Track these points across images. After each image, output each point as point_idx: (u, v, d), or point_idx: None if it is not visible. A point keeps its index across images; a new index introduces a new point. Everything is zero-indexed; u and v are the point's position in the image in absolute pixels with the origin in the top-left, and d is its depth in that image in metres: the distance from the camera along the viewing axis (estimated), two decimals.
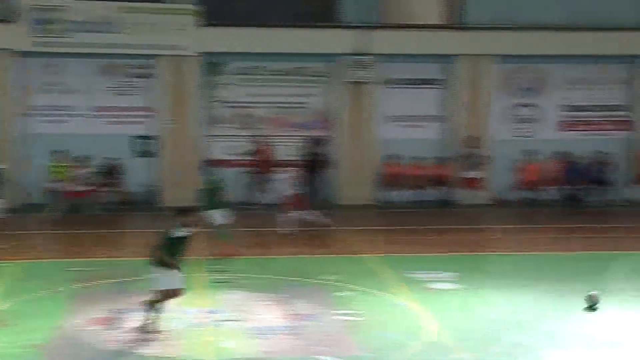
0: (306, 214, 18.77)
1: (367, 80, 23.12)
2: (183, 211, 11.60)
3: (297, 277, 14.86)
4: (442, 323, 12.13)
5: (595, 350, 11.06)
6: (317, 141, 23.62)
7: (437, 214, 22.73)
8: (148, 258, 11.59)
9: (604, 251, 17.49)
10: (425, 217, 22.25)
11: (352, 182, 23.35)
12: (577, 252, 17.38)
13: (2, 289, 13.92)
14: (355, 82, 23.11)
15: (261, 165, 23.09)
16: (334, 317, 12.50)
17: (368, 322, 12.24)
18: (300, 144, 23.59)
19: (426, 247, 18.12)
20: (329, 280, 14.59)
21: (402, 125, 24.08)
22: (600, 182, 23.71)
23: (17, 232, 19.20)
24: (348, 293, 13.76)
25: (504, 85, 24.26)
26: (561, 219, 22.01)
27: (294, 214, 18.79)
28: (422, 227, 20.50)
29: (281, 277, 14.85)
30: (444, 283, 14.50)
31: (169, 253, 11.38)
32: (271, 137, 23.62)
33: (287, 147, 23.72)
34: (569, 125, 24.50)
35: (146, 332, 11.49)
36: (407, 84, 24.04)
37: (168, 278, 11.45)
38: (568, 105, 24.42)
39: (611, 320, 12.46)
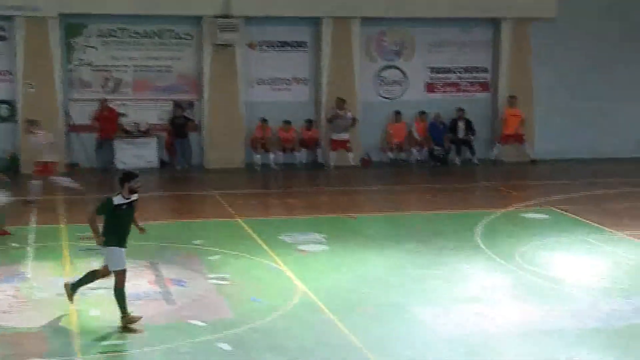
0: (57, 180, 18.11)
1: (233, 43, 23.01)
2: (128, 176, 10.67)
3: (166, 242, 14.78)
4: (312, 284, 12.33)
5: (458, 305, 11.50)
6: (182, 105, 23.45)
7: (307, 176, 22.96)
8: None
9: (468, 210, 18.10)
10: (295, 179, 22.43)
11: (221, 146, 23.31)
12: (443, 211, 17.92)
13: None
14: (222, 44, 22.96)
15: (104, 129, 22.74)
16: (206, 282, 12.55)
17: (239, 285, 12.34)
18: (166, 108, 23.36)
19: (296, 210, 18.32)
20: (199, 245, 14.59)
21: (271, 88, 24.14)
22: (465, 142, 24.48)
23: None
24: (219, 257, 13.80)
25: (371, 48, 24.62)
26: (427, 179, 22.62)
27: (38, 183, 17.90)
28: (291, 190, 20.69)
29: (150, 243, 14.73)
30: (314, 245, 14.71)
31: (113, 226, 10.52)
32: (136, 101, 23.29)
33: (153, 111, 23.45)
34: (435, 87, 25.13)
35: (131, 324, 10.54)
36: (275, 47, 24.08)
37: (117, 256, 10.60)
38: (433, 68, 25.01)
39: (472, 276, 12.96)
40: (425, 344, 10.16)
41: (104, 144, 22.92)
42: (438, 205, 18.55)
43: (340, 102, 23.49)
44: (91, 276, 11.03)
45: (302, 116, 23.88)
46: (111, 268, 10.63)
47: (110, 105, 22.95)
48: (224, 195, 19.33)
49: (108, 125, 22.83)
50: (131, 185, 10.58)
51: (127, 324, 10.52)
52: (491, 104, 25.20)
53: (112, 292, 10.62)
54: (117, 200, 10.55)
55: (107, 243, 10.55)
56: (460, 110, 24.41)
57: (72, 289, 11.10)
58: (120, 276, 10.55)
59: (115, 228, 10.56)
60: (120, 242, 10.60)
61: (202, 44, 23.25)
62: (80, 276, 11.24)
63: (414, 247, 14.51)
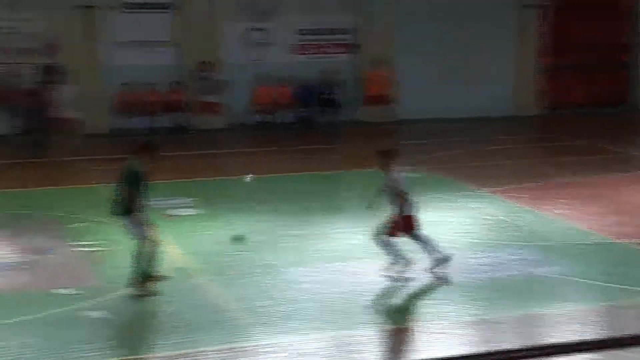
0: None
1: (97, 5, 22.36)
2: (149, 145, 10.83)
3: (26, 210, 14.36)
4: (182, 249, 12.28)
5: (325, 264, 11.65)
6: (44, 68, 22.66)
7: (173, 140, 22.68)
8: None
9: (333, 170, 18.31)
10: (161, 143, 22.09)
11: (85, 111, 22.67)
12: (308, 172, 18.08)
13: None
14: (86, 6, 22.27)
15: None
16: (70, 250, 12.29)
17: (105, 252, 12.12)
18: (25, 72, 22.55)
19: (162, 174, 18.02)
20: (60, 213, 14.23)
21: (136, 51, 23.61)
22: (331, 104, 24.67)
23: None
24: (82, 224, 13.51)
25: (237, 10, 24.39)
26: (294, 140, 22.74)
27: None
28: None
29: (8, 211, 14.29)
30: (182, 209, 14.59)
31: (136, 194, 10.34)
32: None
33: (11, 76, 22.59)
34: (300, 49, 25.16)
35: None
36: (139, 9, 23.53)
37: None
38: (299, 30, 25.02)
39: (338, 236, 13.13)
40: (293, 301, 10.26)
41: None
42: (304, 166, 18.68)
43: (208, 65, 23.24)
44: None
45: (167, 79, 23.48)
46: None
47: None
48: (85, 162, 18.85)
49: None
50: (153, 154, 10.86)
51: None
52: (353, 65, 25.37)
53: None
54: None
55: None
56: (325, 72, 24.52)
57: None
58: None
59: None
60: None
61: (64, 5, 22.44)
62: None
63: (280, 208, 14.59)
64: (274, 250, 12.33)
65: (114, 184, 10.56)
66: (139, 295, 10.31)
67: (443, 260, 11.28)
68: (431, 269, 11.25)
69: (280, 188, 16.46)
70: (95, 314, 9.85)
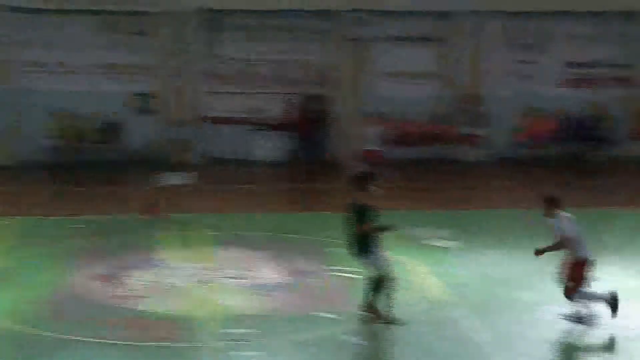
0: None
1: (365, 37, 23.10)
2: (366, 175, 10.60)
3: (287, 233, 15.04)
4: (438, 279, 12.32)
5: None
6: (314, 98, 23.70)
7: (436, 171, 22.83)
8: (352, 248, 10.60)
9: (602, 207, 17.69)
10: (423, 173, 22.39)
11: (355, 140, 23.40)
12: (573, 207, 17.56)
13: (3, 246, 14.15)
14: (354, 39, 23.09)
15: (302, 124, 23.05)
16: (330, 274, 12.65)
17: (359, 280, 12.40)
18: (296, 101, 23.65)
19: (420, 203, 18.24)
20: (320, 236, 14.68)
21: (400, 82, 24.02)
22: (600, 138, 23.83)
23: (14, 189, 19.49)
24: (341, 249, 13.89)
25: (505, 42, 24.23)
26: (559, 175, 22.18)
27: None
28: (420, 184, 20.65)
29: (273, 234, 15.01)
30: (438, 240, 14.64)
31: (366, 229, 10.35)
32: (270, 94, 23.69)
33: (284, 104, 23.80)
34: (570, 81, 24.54)
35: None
36: (405, 40, 24.00)
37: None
38: (569, 62, 24.42)
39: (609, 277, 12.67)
40: (549, 342, 10.06)
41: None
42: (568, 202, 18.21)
43: (472, 97, 23.26)
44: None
45: (431, 111, 23.72)
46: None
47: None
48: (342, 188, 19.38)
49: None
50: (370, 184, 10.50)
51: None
52: (625, 99, 24.35)
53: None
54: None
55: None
56: (594, 106, 23.72)
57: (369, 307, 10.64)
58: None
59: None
60: None
61: (334, 37, 23.38)
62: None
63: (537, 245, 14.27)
64: (529, 287, 12.12)
65: (344, 222, 10.44)
66: (388, 323, 10.45)
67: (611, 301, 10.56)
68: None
69: (540, 224, 16.09)
70: (353, 339, 10.15)
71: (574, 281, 10.66)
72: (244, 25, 23.53)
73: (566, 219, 10.84)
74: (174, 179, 16.20)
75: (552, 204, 10.97)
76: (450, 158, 23.51)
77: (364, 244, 10.36)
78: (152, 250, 13.90)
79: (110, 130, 22.77)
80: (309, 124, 23.39)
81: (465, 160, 23.20)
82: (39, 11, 22.49)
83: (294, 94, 23.71)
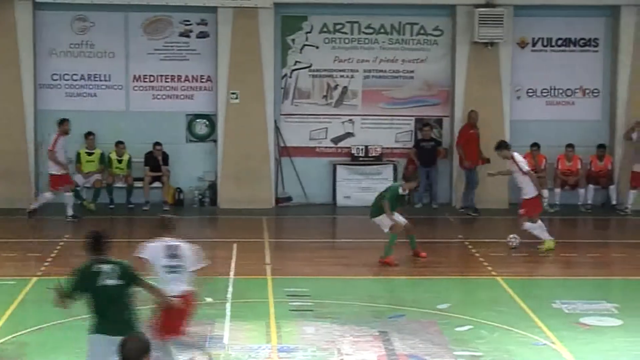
0: None
1: (498, 41, 23.01)
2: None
3: (401, 305, 14.95)
4: None
5: None
6: (430, 123, 23.63)
7: (594, 220, 22.53)
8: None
9: None
10: (576, 225, 22.09)
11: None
12: None
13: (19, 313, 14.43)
14: (483, 43, 23.01)
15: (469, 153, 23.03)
16: (451, 359, 12.55)
17: None
18: (405, 127, 23.65)
19: (578, 268, 17.99)
20: (443, 310, 14.64)
21: (546, 101, 23.90)
22: None
23: (36, 240, 19.95)
24: (468, 328, 13.75)
25: None
26: None
27: None
28: (570, 240, 20.35)
29: (380, 305, 14.96)
30: (600, 317, 14.40)
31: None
32: (365, 117, 23.76)
33: (388, 131, 23.80)
34: None
35: None
36: (553, 46, 23.85)
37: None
38: None
39: None
40: None
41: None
42: None
43: None
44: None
45: (589, 142, 23.47)
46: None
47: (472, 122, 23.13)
48: (477, 245, 19.26)
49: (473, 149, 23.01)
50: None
51: None
52: None
53: None
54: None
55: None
56: None
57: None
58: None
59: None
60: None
61: (455, 42, 23.41)
62: None
63: None
64: None
65: None
66: None
67: None
68: None
69: None
70: None
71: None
72: (332, 25, 23.70)
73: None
74: None
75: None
76: (610, 204, 23.10)
77: None
78: (207, 322, 13.90)
79: (157, 162, 22.93)
80: (423, 158, 23.26)
81: (635, 207, 22.72)
82: (62, 7, 23.02)
83: (400, 116, 23.71)
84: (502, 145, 19.04)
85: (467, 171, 22.72)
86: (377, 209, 17.82)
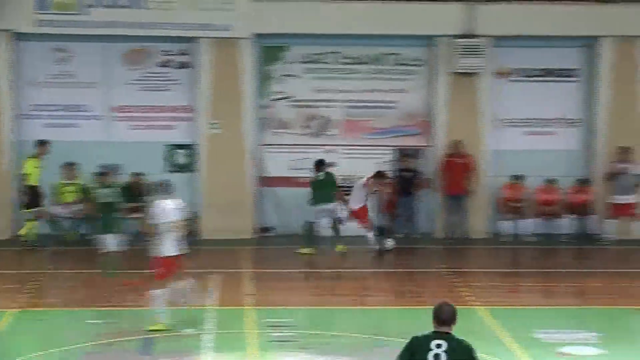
0: None
1: (478, 71, 23.17)
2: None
3: (381, 335, 14.99)
4: None
5: None
6: (409, 153, 23.73)
7: (574, 251, 22.63)
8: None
9: None
10: (557, 255, 22.19)
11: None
12: None
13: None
14: (463, 73, 23.16)
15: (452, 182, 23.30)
16: None
17: None
18: (385, 157, 23.75)
19: (558, 297, 18.07)
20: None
21: (526, 132, 24.05)
22: None
23: (17, 271, 19.93)
24: None
25: None
26: None
27: None
28: (553, 270, 20.46)
29: (360, 335, 14.99)
30: (581, 346, 14.47)
31: None
32: (346, 147, 23.85)
33: (369, 161, 23.87)
34: None
35: None
36: (532, 76, 24.02)
37: None
38: None
39: None
40: None
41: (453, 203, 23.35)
42: None
43: (624, 152, 23.04)
44: None
45: (568, 171, 23.62)
46: None
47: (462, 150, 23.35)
48: (459, 274, 19.34)
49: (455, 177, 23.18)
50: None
51: None
52: None
53: None
54: None
55: None
56: None
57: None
58: None
59: None
60: None
61: (435, 72, 23.57)
62: None
63: None
64: None
65: None
66: None
67: None
68: None
69: None
70: None
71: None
72: (311, 55, 23.79)
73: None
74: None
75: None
76: (594, 234, 23.24)
77: None
78: (186, 354, 13.92)
79: (136, 193, 22.92)
80: (402, 187, 23.35)
81: (615, 237, 22.85)
82: (43, 37, 23.09)
83: (381, 146, 23.83)
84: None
85: (451, 200, 22.81)
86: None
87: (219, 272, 19.15)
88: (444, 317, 9.03)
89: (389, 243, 21.35)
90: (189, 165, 23.84)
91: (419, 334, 9.10)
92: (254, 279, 18.97)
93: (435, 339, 8.98)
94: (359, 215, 21.45)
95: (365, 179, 21.60)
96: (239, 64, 23.29)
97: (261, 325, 15.39)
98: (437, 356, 8.91)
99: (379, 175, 21.54)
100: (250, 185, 23.39)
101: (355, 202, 21.56)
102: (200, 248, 22.57)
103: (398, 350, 9.03)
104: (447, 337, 9.00)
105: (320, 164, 21.82)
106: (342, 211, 21.59)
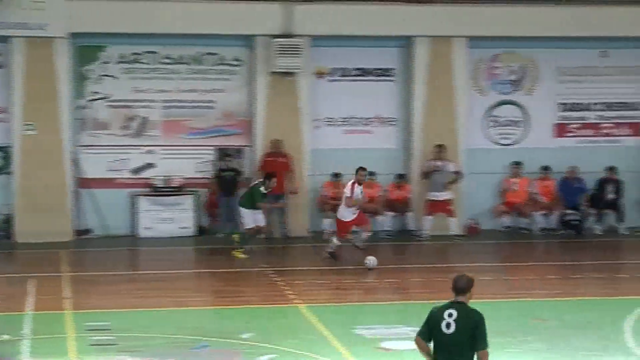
0: None
1: (296, 71, 23.29)
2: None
3: (204, 335, 14.90)
4: None
5: None
6: (229, 153, 23.70)
7: (393, 246, 22.97)
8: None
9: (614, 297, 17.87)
10: (378, 252, 22.43)
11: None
12: (578, 297, 17.75)
13: None
14: (282, 72, 23.24)
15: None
16: None
17: None
18: (206, 157, 23.67)
19: (378, 294, 18.28)
20: (246, 340, 14.62)
21: (345, 130, 24.30)
22: (609, 205, 24.13)
23: None
24: (273, 357, 13.80)
25: (480, 78, 24.63)
26: (558, 253, 22.42)
27: None
28: (374, 267, 20.70)
29: (185, 336, 14.88)
30: (401, 341, 14.63)
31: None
32: (166, 148, 23.68)
33: (189, 161, 23.75)
34: (567, 129, 24.96)
35: None
36: (350, 76, 24.28)
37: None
38: (565, 104, 24.89)
39: None
40: None
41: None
42: (572, 289, 18.35)
43: (439, 150, 23.48)
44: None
45: (388, 169, 23.96)
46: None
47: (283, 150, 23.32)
48: (280, 273, 19.41)
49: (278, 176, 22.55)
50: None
51: None
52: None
53: None
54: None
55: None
56: (611, 169, 24.14)
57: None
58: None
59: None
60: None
61: (254, 72, 23.58)
62: None
63: (543, 347, 14.36)
64: None
65: None
66: None
67: None
68: None
69: (536, 316, 16.20)
70: None
71: None
72: (128, 55, 23.57)
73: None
74: None
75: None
76: (412, 230, 23.68)
77: None
78: None
79: None
80: (223, 187, 23.32)
81: (431, 233, 23.29)
82: None
83: (201, 146, 23.74)
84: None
85: (272, 199, 22.85)
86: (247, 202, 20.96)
87: (36, 277, 18.73)
88: (459, 285, 9.44)
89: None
90: (4, 168, 23.27)
91: (437, 305, 9.60)
92: (72, 282, 18.61)
93: (448, 308, 9.40)
94: None
95: None
96: (54, 64, 22.85)
97: (80, 329, 15.10)
98: (448, 325, 9.34)
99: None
100: (68, 187, 22.96)
101: None
102: (15, 252, 22.13)
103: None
104: (458, 306, 9.40)
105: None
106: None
